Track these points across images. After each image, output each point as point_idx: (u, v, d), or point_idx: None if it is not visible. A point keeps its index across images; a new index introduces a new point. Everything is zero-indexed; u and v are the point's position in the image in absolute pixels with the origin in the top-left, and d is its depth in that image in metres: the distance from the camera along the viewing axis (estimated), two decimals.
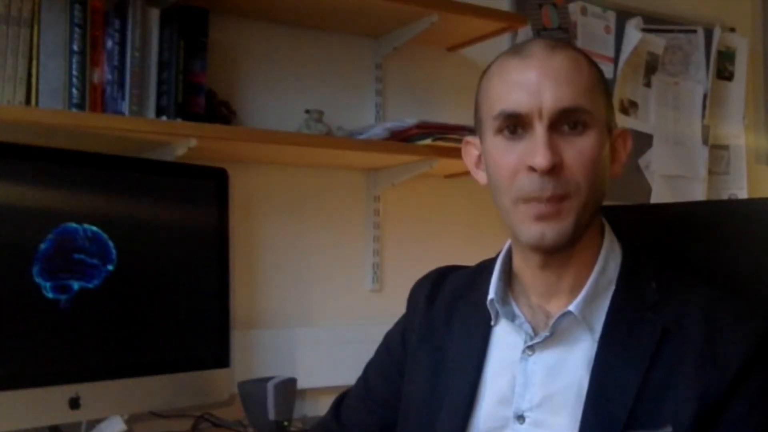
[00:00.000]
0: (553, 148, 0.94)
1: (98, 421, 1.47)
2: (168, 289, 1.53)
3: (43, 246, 1.37)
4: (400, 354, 1.16)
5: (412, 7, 1.83)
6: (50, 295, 1.37)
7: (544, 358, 0.99)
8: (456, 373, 1.05)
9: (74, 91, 1.52)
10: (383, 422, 1.17)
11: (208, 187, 1.60)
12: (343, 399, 1.24)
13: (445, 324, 1.11)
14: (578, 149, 0.95)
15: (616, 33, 2.49)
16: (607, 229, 1.04)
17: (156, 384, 1.50)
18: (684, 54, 2.66)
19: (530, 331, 1.01)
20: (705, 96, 2.67)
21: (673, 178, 2.60)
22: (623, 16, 2.51)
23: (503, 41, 2.15)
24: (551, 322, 0.99)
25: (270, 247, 1.90)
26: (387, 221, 2.06)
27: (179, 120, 1.60)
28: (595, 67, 1.01)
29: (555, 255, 0.99)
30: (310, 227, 1.96)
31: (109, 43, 1.56)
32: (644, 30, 2.53)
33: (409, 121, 1.83)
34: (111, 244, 1.45)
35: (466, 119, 1.92)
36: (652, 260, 1.04)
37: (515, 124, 0.97)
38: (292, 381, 1.67)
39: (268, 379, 1.65)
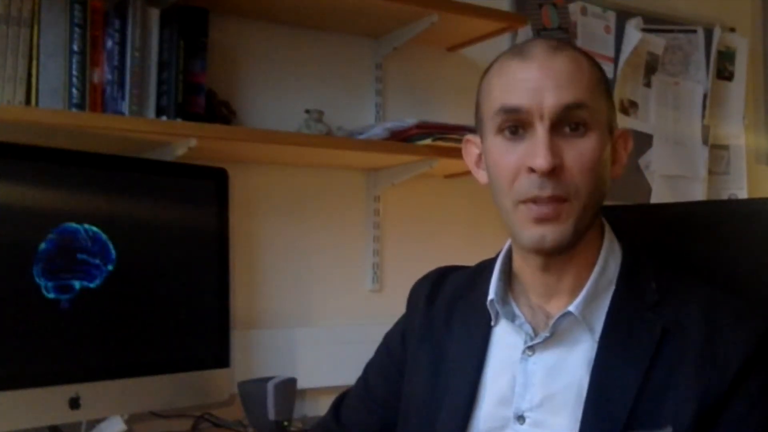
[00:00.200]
0: (553, 149, 0.94)
1: (98, 421, 1.47)
2: (168, 289, 1.53)
3: (43, 246, 1.37)
4: (400, 354, 1.16)
5: (412, 7, 1.83)
6: (51, 295, 1.37)
7: (545, 358, 0.99)
8: (456, 374, 1.05)
9: (74, 91, 1.52)
10: (383, 422, 1.17)
11: (208, 187, 1.60)
12: (343, 399, 1.24)
13: (445, 324, 1.10)
14: (579, 151, 0.95)
15: (616, 33, 2.49)
16: (607, 229, 1.04)
17: (156, 384, 1.50)
18: (684, 54, 2.66)
19: (530, 331, 1.01)
20: (705, 96, 2.67)
21: (673, 178, 2.60)
22: (623, 16, 2.51)
23: (503, 41, 2.15)
24: (551, 322, 0.99)
25: (270, 247, 1.90)
26: (387, 221, 2.06)
27: (179, 120, 1.60)
28: (597, 68, 1.01)
29: (555, 257, 0.99)
30: (310, 227, 1.96)
31: (109, 43, 1.56)
32: (644, 30, 2.53)
33: (409, 121, 1.83)
34: (111, 244, 1.45)
35: (466, 119, 1.92)
36: (652, 260, 1.04)
37: (516, 125, 0.96)
38: (292, 381, 1.67)
39: (268, 379, 1.65)
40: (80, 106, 1.52)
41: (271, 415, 1.61)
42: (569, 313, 0.98)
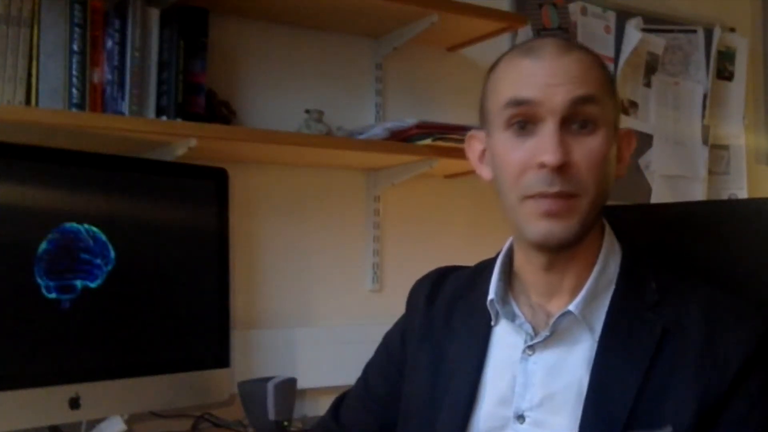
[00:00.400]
0: (563, 145, 0.93)
1: (98, 421, 1.47)
2: (168, 289, 1.53)
3: (43, 246, 1.37)
4: (400, 354, 1.16)
5: (412, 7, 1.83)
6: (51, 295, 1.37)
7: (545, 357, 0.99)
8: (456, 373, 1.05)
9: (74, 91, 1.52)
10: (382, 422, 1.17)
11: (208, 187, 1.60)
12: (343, 399, 1.24)
13: (445, 324, 1.10)
14: (587, 149, 0.95)
15: (616, 33, 2.49)
16: (608, 229, 1.04)
17: (156, 384, 1.50)
18: (684, 54, 2.66)
19: (530, 330, 1.01)
20: (705, 96, 2.67)
21: (673, 178, 2.60)
22: (623, 16, 2.51)
23: (503, 41, 2.15)
24: (551, 321, 0.99)
25: (270, 247, 1.89)
26: (387, 221, 2.06)
27: (179, 120, 1.60)
28: (605, 68, 1.01)
29: (559, 254, 0.99)
30: (310, 227, 1.96)
31: (109, 43, 1.56)
32: (644, 30, 2.53)
33: (409, 121, 1.83)
34: (111, 244, 1.45)
35: (466, 119, 1.93)
36: (652, 260, 1.04)
37: (525, 119, 0.96)
38: (292, 381, 1.67)
39: (268, 379, 1.65)
40: (80, 106, 1.52)
41: (271, 415, 1.61)
42: (569, 312, 0.98)
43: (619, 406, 0.93)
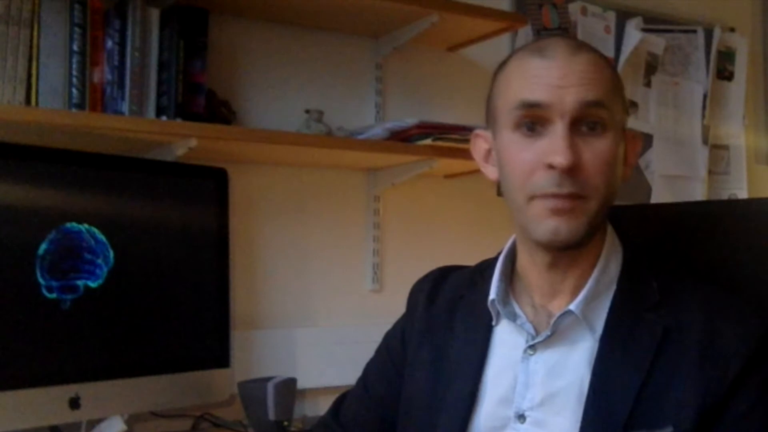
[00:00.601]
0: (572, 147, 0.93)
1: (98, 421, 1.47)
2: (168, 289, 1.53)
3: (44, 246, 1.37)
4: (400, 354, 1.16)
5: (412, 7, 1.83)
6: (52, 295, 1.37)
7: (546, 357, 0.99)
8: (457, 373, 1.05)
9: (74, 91, 1.52)
10: (383, 422, 1.17)
11: (208, 187, 1.60)
12: (343, 399, 1.24)
13: (446, 324, 1.10)
14: (596, 151, 0.95)
15: (616, 33, 2.49)
16: (609, 229, 1.04)
17: (156, 384, 1.50)
18: (684, 54, 2.66)
19: (532, 330, 1.01)
20: (705, 96, 2.67)
21: (673, 178, 2.60)
22: (623, 16, 2.51)
23: (503, 41, 2.15)
24: (552, 321, 0.99)
25: (270, 247, 1.89)
26: (387, 221, 2.06)
27: (179, 120, 1.60)
28: (614, 70, 1.01)
29: (563, 254, 0.99)
30: (310, 227, 1.96)
31: (109, 43, 1.56)
32: (644, 30, 2.52)
33: (409, 121, 1.83)
34: (110, 244, 1.45)
35: (466, 119, 1.93)
36: (653, 260, 1.04)
37: (533, 121, 0.96)
38: (292, 381, 1.67)
39: (268, 379, 1.65)
40: (80, 106, 1.52)
41: (271, 415, 1.61)
42: (570, 312, 0.98)
43: (620, 406, 0.93)
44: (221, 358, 1.60)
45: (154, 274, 1.51)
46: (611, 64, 1.01)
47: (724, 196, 2.72)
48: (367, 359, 1.24)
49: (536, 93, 0.95)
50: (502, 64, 1.03)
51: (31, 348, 1.36)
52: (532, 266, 1.03)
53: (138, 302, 1.49)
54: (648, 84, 2.57)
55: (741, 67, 2.76)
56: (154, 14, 1.60)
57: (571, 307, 0.98)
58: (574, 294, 1.00)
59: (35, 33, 1.49)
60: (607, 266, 1.01)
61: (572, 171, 0.93)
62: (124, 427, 1.46)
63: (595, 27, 2.45)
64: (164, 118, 1.59)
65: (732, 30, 2.76)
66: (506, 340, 1.04)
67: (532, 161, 0.96)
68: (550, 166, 0.94)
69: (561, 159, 0.92)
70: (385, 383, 1.18)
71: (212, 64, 1.75)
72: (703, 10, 2.71)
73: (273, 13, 1.86)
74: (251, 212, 1.86)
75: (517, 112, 0.97)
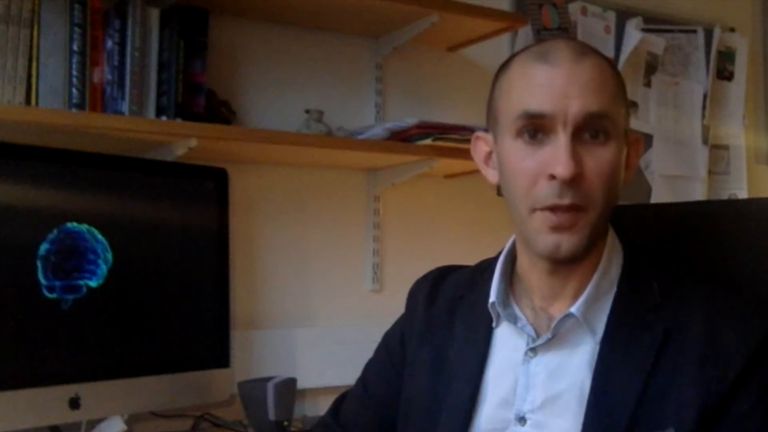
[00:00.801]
0: (575, 157, 0.92)
1: (98, 421, 1.47)
2: (168, 289, 1.53)
3: (44, 246, 1.37)
4: (399, 354, 1.16)
5: (412, 7, 1.83)
6: (53, 295, 1.37)
7: (546, 360, 0.99)
8: (457, 375, 1.05)
9: (74, 91, 1.52)
10: (382, 422, 1.16)
11: (208, 187, 1.60)
12: (343, 399, 1.24)
13: (446, 324, 1.10)
14: (599, 160, 0.94)
15: (616, 33, 2.49)
16: (610, 230, 1.04)
17: (156, 384, 1.50)
18: (684, 54, 2.66)
19: (532, 333, 1.01)
20: (705, 96, 2.67)
21: (673, 178, 2.60)
22: (623, 16, 2.51)
23: (503, 41, 2.15)
24: (553, 324, 0.99)
25: (270, 247, 1.89)
26: (387, 221, 2.06)
27: (179, 120, 1.60)
28: (618, 74, 1.00)
29: (565, 263, 0.99)
30: (310, 227, 1.96)
31: (109, 43, 1.56)
32: (644, 30, 2.53)
33: (409, 121, 1.83)
34: (109, 243, 1.44)
35: (466, 119, 1.93)
36: (653, 261, 1.03)
37: (536, 129, 0.95)
38: (292, 381, 1.67)
39: (268, 379, 1.65)
40: (80, 106, 1.52)
41: (271, 415, 1.61)
42: (571, 314, 0.97)
43: (621, 408, 0.92)
44: (221, 358, 1.60)
45: (154, 274, 1.51)
46: (615, 66, 1.00)
47: (724, 196, 2.72)
48: (367, 359, 1.24)
49: (540, 103, 0.94)
50: (504, 67, 1.02)
51: (31, 348, 1.36)
52: (532, 270, 1.03)
53: (138, 302, 1.49)
54: (648, 84, 2.58)
55: (741, 67, 2.76)
56: (154, 14, 1.60)
57: (572, 310, 0.97)
58: (575, 297, 0.99)
59: (35, 33, 1.49)
60: (608, 268, 1.01)
61: (574, 181, 0.93)
62: (124, 427, 1.46)
63: (595, 27, 2.46)
64: (164, 118, 1.59)
65: (732, 30, 2.76)
66: (506, 342, 1.04)
67: (534, 171, 0.95)
68: (552, 177, 0.93)
69: (563, 170, 0.92)
70: (384, 384, 1.18)
71: (212, 64, 1.75)
72: (703, 10, 2.71)
73: (273, 13, 1.86)
74: (251, 212, 1.86)
75: (520, 121, 0.96)
